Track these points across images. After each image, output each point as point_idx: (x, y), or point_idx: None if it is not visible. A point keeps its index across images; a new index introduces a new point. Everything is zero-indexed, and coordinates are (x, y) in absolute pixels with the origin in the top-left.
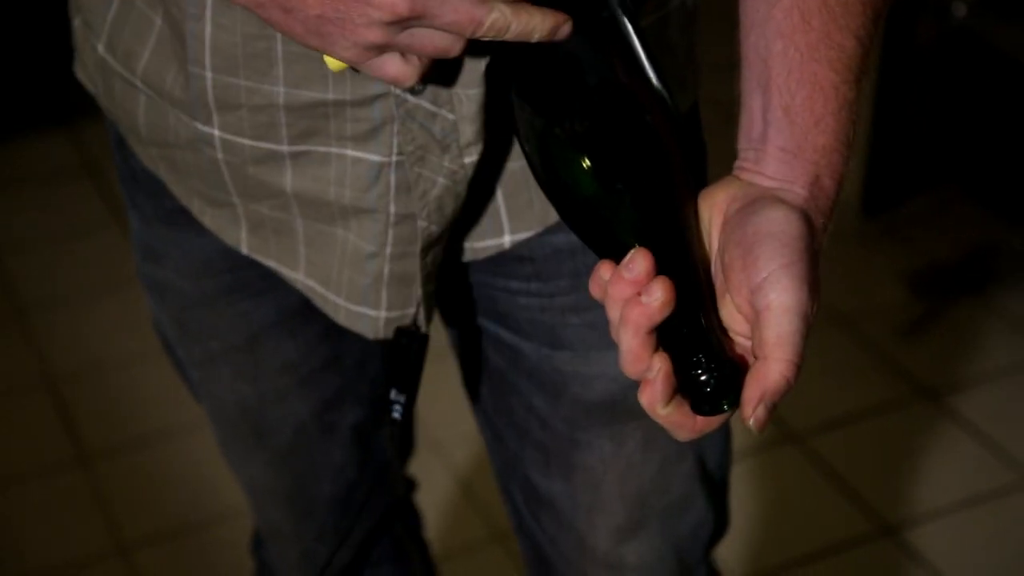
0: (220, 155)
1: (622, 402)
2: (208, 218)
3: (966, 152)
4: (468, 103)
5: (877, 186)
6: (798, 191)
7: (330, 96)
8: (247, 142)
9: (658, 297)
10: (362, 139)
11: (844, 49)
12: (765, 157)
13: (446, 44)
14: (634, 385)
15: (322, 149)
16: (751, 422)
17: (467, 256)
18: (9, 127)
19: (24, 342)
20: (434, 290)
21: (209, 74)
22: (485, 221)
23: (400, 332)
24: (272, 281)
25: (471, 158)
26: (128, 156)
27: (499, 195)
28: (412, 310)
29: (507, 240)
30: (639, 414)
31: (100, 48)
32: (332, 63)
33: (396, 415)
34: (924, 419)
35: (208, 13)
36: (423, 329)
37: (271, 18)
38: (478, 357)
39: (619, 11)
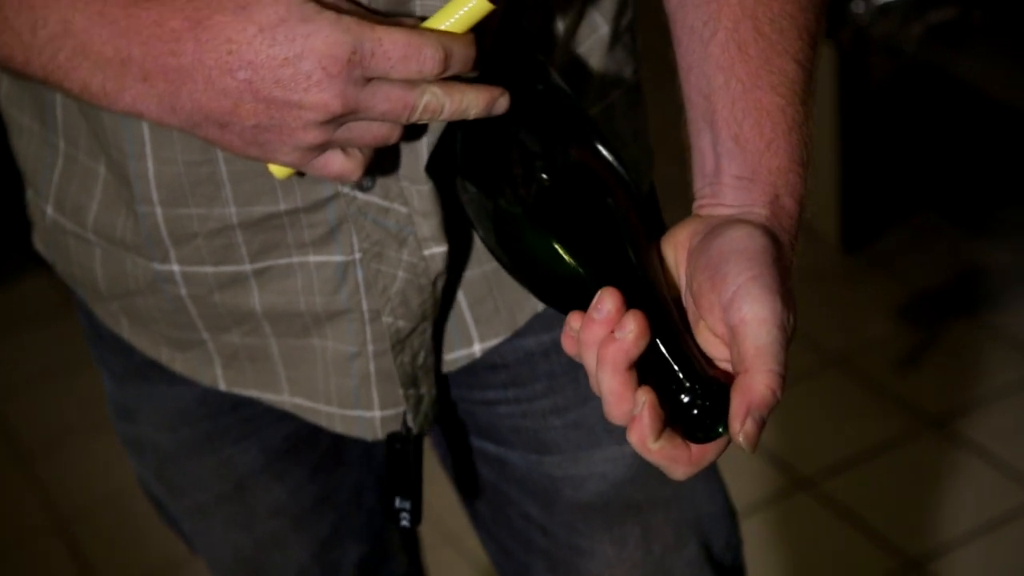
0: (183, 291)
1: (616, 500)
2: (179, 364)
3: (937, 177)
4: (420, 198)
5: (853, 222)
6: (759, 211)
7: (282, 207)
8: (209, 269)
9: (631, 329)
10: (321, 242)
11: (785, 73)
12: (721, 188)
13: (384, 132)
14: (628, 479)
15: (284, 261)
16: (740, 438)
17: (442, 369)
18: None
19: (29, 487)
20: (428, 393)
21: (159, 209)
22: (453, 332)
23: (392, 437)
24: (254, 424)
25: (431, 250)
26: (92, 317)
27: (463, 304)
28: (416, 406)
29: (477, 349)
30: (636, 509)
31: (49, 211)
32: (277, 170)
33: (405, 523)
34: (933, 448)
35: (148, 149)
36: (415, 430)
37: (208, 136)
38: (468, 473)
39: (553, 80)
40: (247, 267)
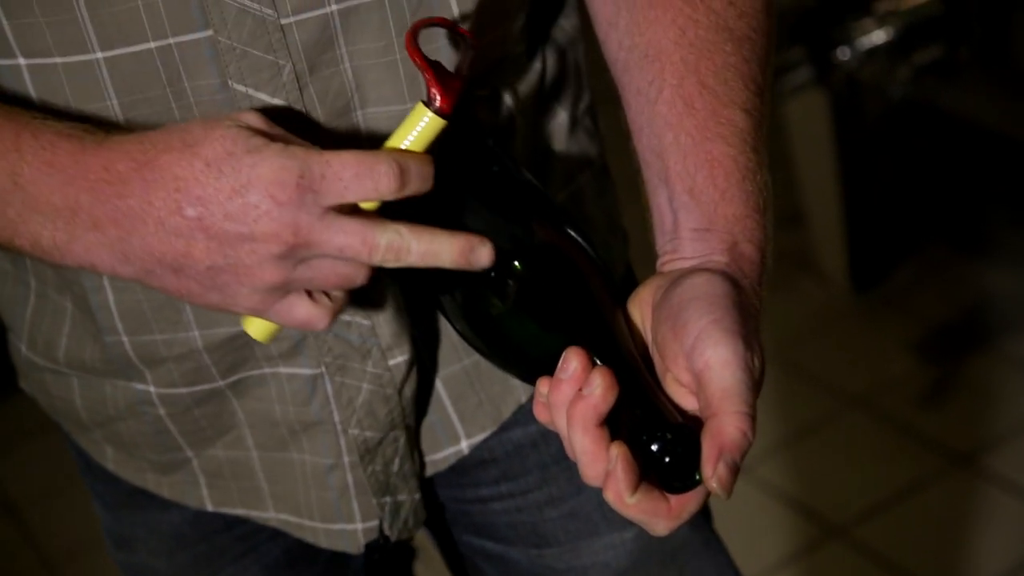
0: (162, 410)
1: None
2: (166, 489)
3: (939, 209)
4: (379, 308)
5: (862, 261)
6: (717, 259)
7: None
8: (183, 390)
9: (599, 384)
10: (288, 356)
11: (734, 123)
12: (680, 243)
13: (347, 272)
14: (631, 566)
15: (256, 372)
16: (714, 483)
17: (429, 470)
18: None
19: None
20: (410, 498)
21: (125, 338)
22: (439, 430)
23: (370, 547)
24: (250, 542)
25: (396, 359)
26: (79, 448)
27: (446, 402)
28: (394, 517)
29: (464, 445)
30: None
31: (23, 349)
32: (255, 331)
33: None
34: (962, 485)
35: (105, 280)
36: (392, 538)
37: (165, 284)
38: (472, 573)
39: (506, 162)
40: (220, 383)
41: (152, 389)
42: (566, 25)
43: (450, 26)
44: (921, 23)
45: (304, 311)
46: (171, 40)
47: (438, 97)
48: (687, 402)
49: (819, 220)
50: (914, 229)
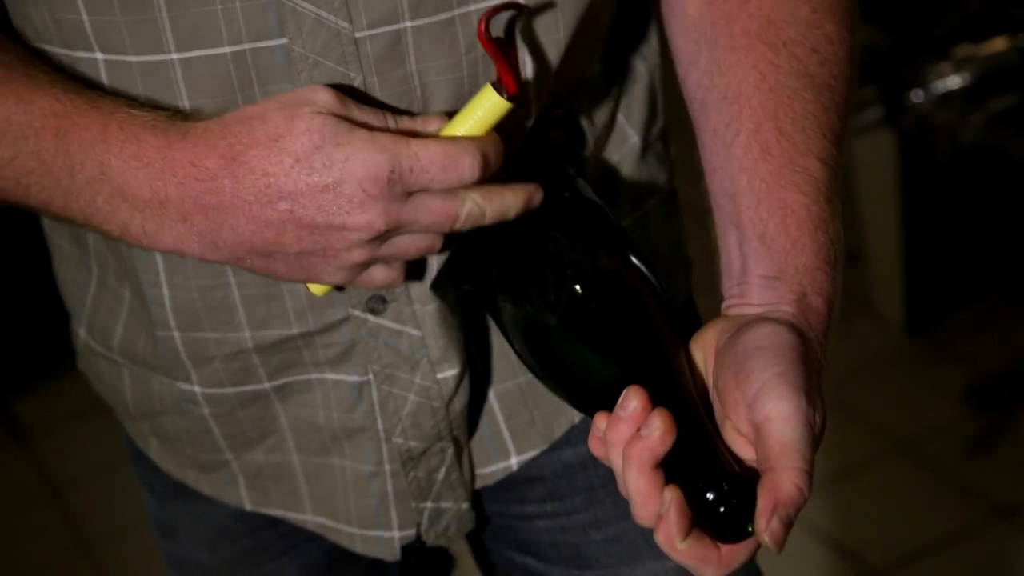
0: (206, 410)
1: None
2: (205, 486)
3: (1002, 260)
4: (430, 320)
5: (919, 305)
6: (785, 309)
7: (295, 330)
8: (229, 390)
9: (657, 426)
10: (337, 362)
11: (809, 172)
12: (748, 288)
13: (427, 243)
14: None
15: (302, 377)
16: (766, 538)
17: (477, 483)
18: (38, 374)
19: (95, 575)
20: (456, 506)
21: (176, 334)
22: (489, 445)
23: (406, 551)
24: (292, 540)
25: (445, 373)
26: (130, 436)
27: (499, 417)
28: (433, 526)
29: (514, 462)
30: None
31: (82, 333)
32: (316, 287)
33: None
34: (1004, 537)
35: (162, 277)
36: (429, 542)
37: (253, 266)
38: None
39: (580, 189)
40: (266, 385)
41: (197, 389)
42: (645, 50)
43: (520, 8)
44: (998, 70)
45: (382, 276)
46: (246, 46)
47: (507, 82)
48: (745, 451)
49: (878, 260)
50: (973, 276)
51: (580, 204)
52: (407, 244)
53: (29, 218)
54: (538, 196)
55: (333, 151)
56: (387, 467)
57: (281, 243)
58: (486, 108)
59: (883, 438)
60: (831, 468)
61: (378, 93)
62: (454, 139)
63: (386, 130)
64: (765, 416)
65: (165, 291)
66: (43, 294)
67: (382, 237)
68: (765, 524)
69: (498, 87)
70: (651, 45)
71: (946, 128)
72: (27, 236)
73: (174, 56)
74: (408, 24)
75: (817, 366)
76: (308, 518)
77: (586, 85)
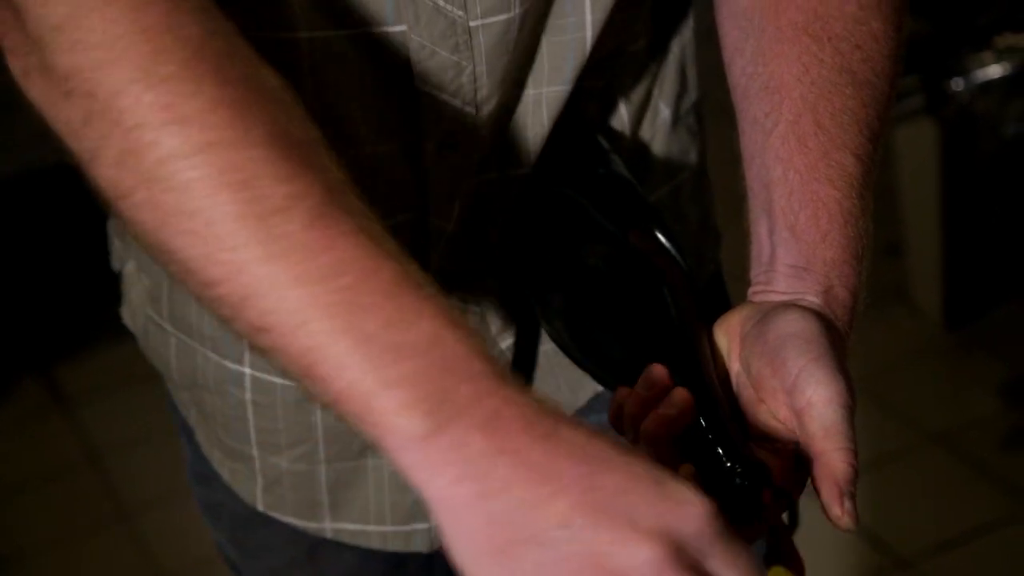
0: (248, 395)
1: None
2: (226, 471)
3: None
4: (491, 296)
5: (958, 300)
6: (811, 299)
7: None
8: (278, 380)
9: (676, 404)
10: None
11: (844, 167)
12: (775, 276)
13: None
14: None
15: None
16: (846, 520)
17: None
18: (80, 341)
19: (131, 543)
20: None
21: None
22: None
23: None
24: None
25: (506, 343)
26: (174, 400)
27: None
28: None
29: None
30: None
31: (137, 281)
32: None
33: None
34: None
35: None
36: None
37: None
38: None
39: (614, 166)
40: None
41: (247, 371)
42: (682, 26)
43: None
44: None
45: None
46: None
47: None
48: (781, 434)
49: (918, 252)
50: (1014, 271)
51: (612, 180)
52: None
53: (78, 180)
54: None
55: None
56: None
57: None
58: None
59: (918, 430)
60: (865, 458)
61: (485, 82)
62: None
63: None
64: (807, 401)
65: None
66: (89, 259)
67: None
68: (839, 508)
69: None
70: (688, 22)
71: (987, 118)
72: (74, 197)
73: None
74: (517, 11)
75: (845, 353)
76: (325, 526)
77: (627, 59)
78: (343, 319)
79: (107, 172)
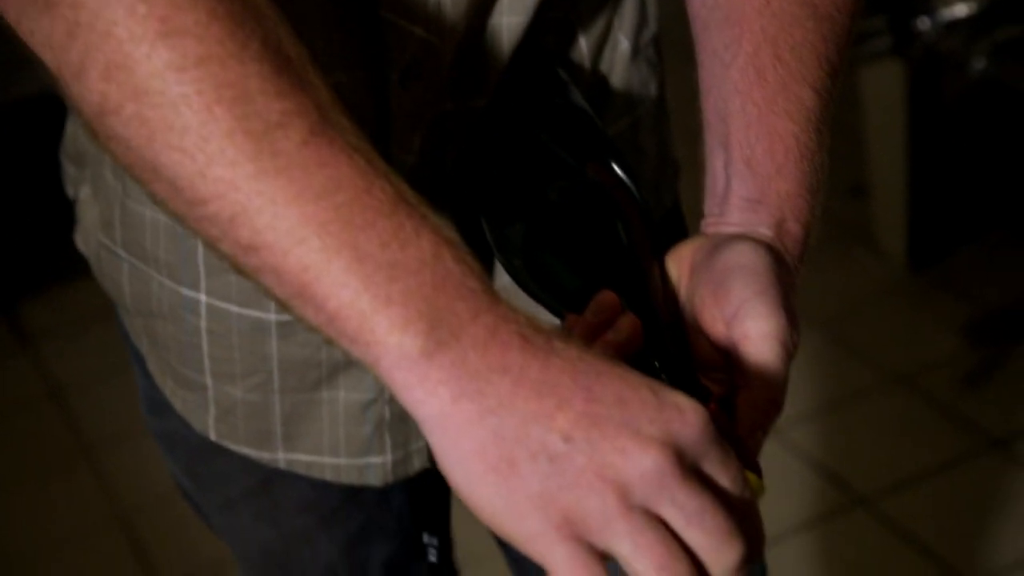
0: (203, 323)
1: None
2: (179, 402)
3: (1008, 196)
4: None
5: (922, 240)
6: (763, 232)
7: None
8: (233, 309)
9: (623, 330)
10: None
11: (802, 101)
12: (729, 208)
13: None
14: None
15: None
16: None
17: None
18: (43, 279)
19: (94, 478)
20: None
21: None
22: None
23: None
24: None
25: None
26: (126, 330)
27: None
28: (419, 444)
29: None
30: None
31: (90, 208)
32: None
33: (432, 559)
34: (995, 470)
35: None
36: (422, 464)
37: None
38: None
39: (572, 96)
40: (272, 316)
41: (203, 298)
42: None
43: None
44: (1005, 0)
45: None
46: None
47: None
48: (717, 363)
49: (883, 193)
50: (978, 212)
51: (570, 112)
52: None
53: (37, 114)
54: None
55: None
56: (387, 393)
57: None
58: None
59: (878, 370)
60: (826, 398)
61: (449, 11)
62: None
63: None
64: (743, 333)
65: None
66: (51, 197)
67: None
68: (750, 437)
69: None
70: None
71: (953, 58)
72: (33, 136)
73: None
74: None
75: (792, 288)
76: (278, 456)
77: None
78: (339, 237)
79: (93, 86)
